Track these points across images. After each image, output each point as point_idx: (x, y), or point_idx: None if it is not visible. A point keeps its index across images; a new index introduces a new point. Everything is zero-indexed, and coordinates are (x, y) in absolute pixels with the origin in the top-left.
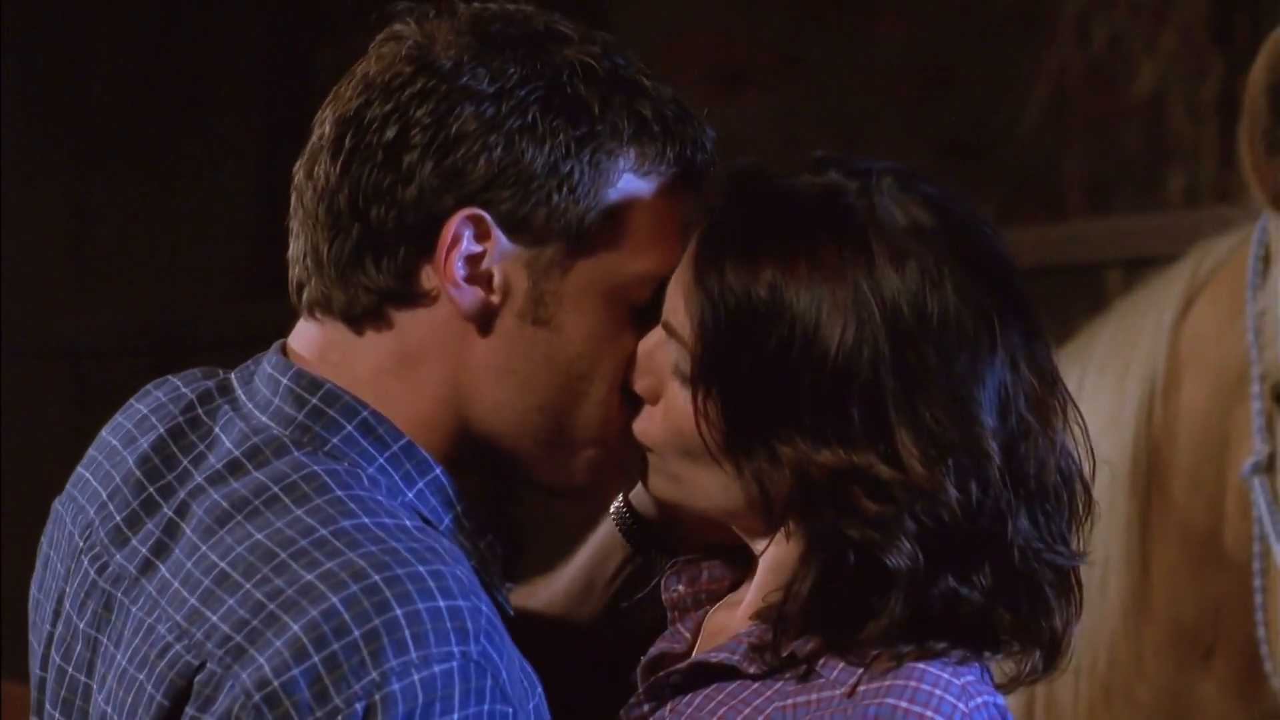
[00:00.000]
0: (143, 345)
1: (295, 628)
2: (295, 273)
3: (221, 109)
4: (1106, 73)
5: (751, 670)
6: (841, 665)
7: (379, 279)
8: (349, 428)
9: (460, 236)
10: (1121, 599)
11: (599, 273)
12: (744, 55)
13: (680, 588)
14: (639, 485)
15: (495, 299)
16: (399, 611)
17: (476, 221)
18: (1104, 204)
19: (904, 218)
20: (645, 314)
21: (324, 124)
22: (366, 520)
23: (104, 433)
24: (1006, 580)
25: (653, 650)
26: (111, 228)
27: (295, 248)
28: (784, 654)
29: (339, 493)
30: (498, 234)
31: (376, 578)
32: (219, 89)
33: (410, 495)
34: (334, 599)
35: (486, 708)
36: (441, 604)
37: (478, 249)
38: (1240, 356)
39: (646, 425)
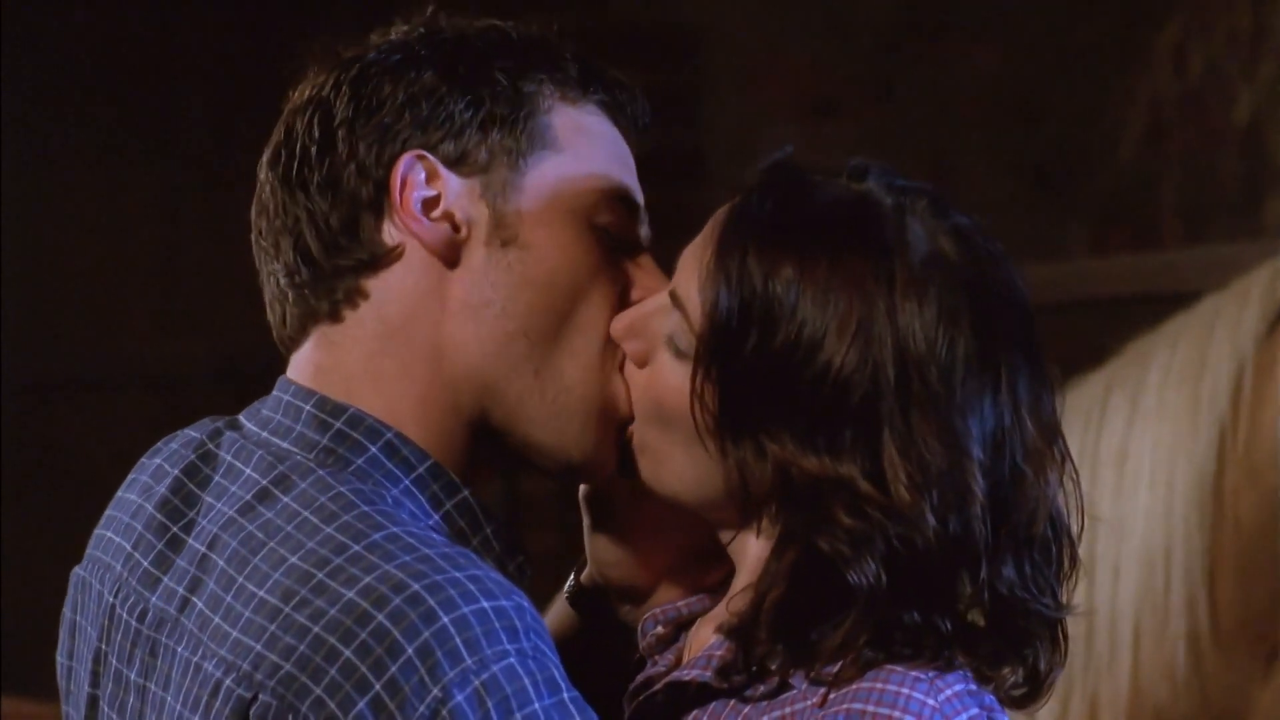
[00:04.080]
0: (233, 373)
1: (347, 652)
2: (276, 312)
3: None
4: (1203, 101)
5: (725, 685)
6: (814, 674)
7: (349, 256)
8: (373, 449)
9: (410, 178)
10: (1189, 629)
11: (552, 186)
12: (834, 84)
13: (658, 630)
14: (589, 567)
15: (460, 234)
16: (446, 619)
17: (421, 159)
18: (1200, 233)
19: (931, 245)
20: (626, 250)
21: (262, 163)
22: (396, 530)
23: (119, 493)
24: (992, 616)
25: (639, 678)
26: (202, 255)
27: (268, 289)
28: (753, 667)
29: (365, 508)
30: (446, 173)
31: (417, 587)
32: None
33: (437, 517)
34: (379, 616)
35: (566, 695)
36: (486, 605)
37: (431, 192)
38: None
39: (633, 391)
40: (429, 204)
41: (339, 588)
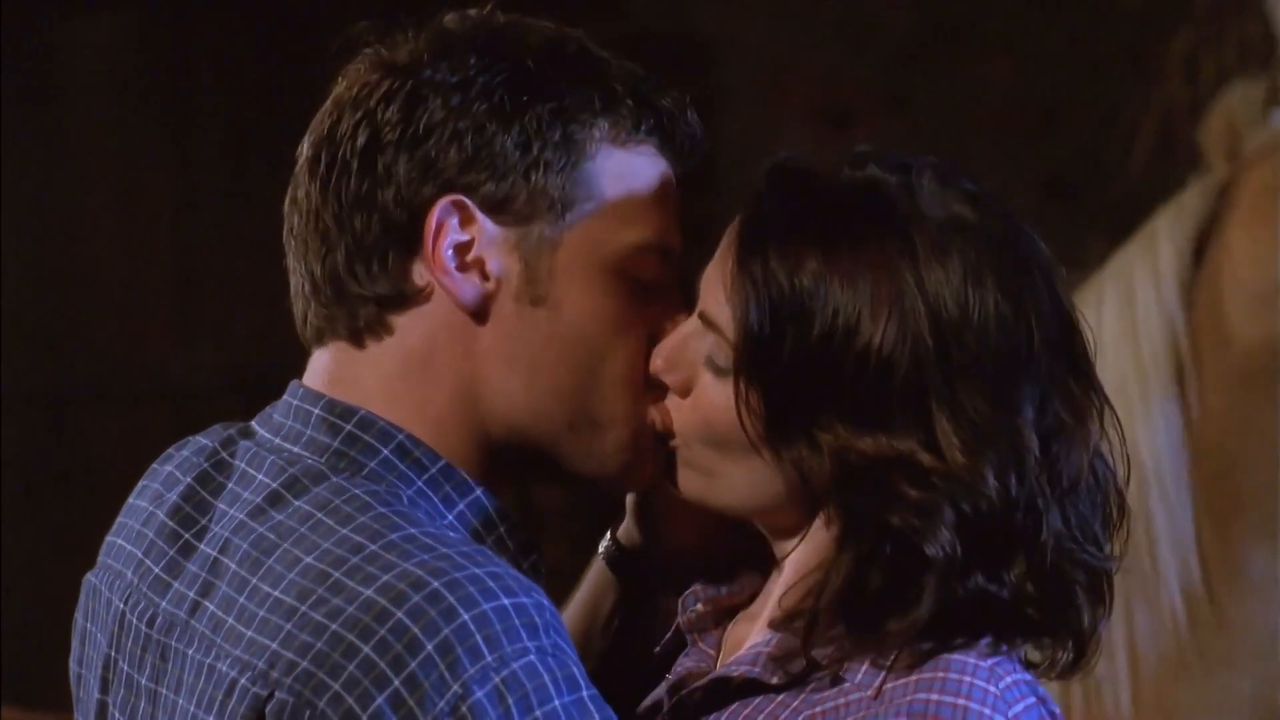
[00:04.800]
0: (247, 384)
1: (366, 649)
2: (299, 307)
3: None
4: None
5: (774, 681)
6: (865, 668)
7: (373, 286)
8: (385, 452)
9: (445, 224)
10: (1184, 586)
11: (590, 245)
12: (850, 94)
13: (699, 607)
14: (626, 521)
15: (489, 285)
16: (466, 616)
17: (459, 207)
18: None
19: (944, 211)
20: (656, 293)
21: (302, 151)
22: (413, 530)
23: (131, 499)
24: (1036, 578)
25: (678, 669)
26: (217, 267)
27: (294, 282)
28: (810, 654)
29: (382, 509)
30: (482, 219)
31: (436, 584)
32: None
33: (450, 517)
34: (399, 613)
35: (585, 693)
36: (506, 602)
37: (465, 237)
38: None
39: (676, 418)
40: (461, 249)
41: (356, 586)
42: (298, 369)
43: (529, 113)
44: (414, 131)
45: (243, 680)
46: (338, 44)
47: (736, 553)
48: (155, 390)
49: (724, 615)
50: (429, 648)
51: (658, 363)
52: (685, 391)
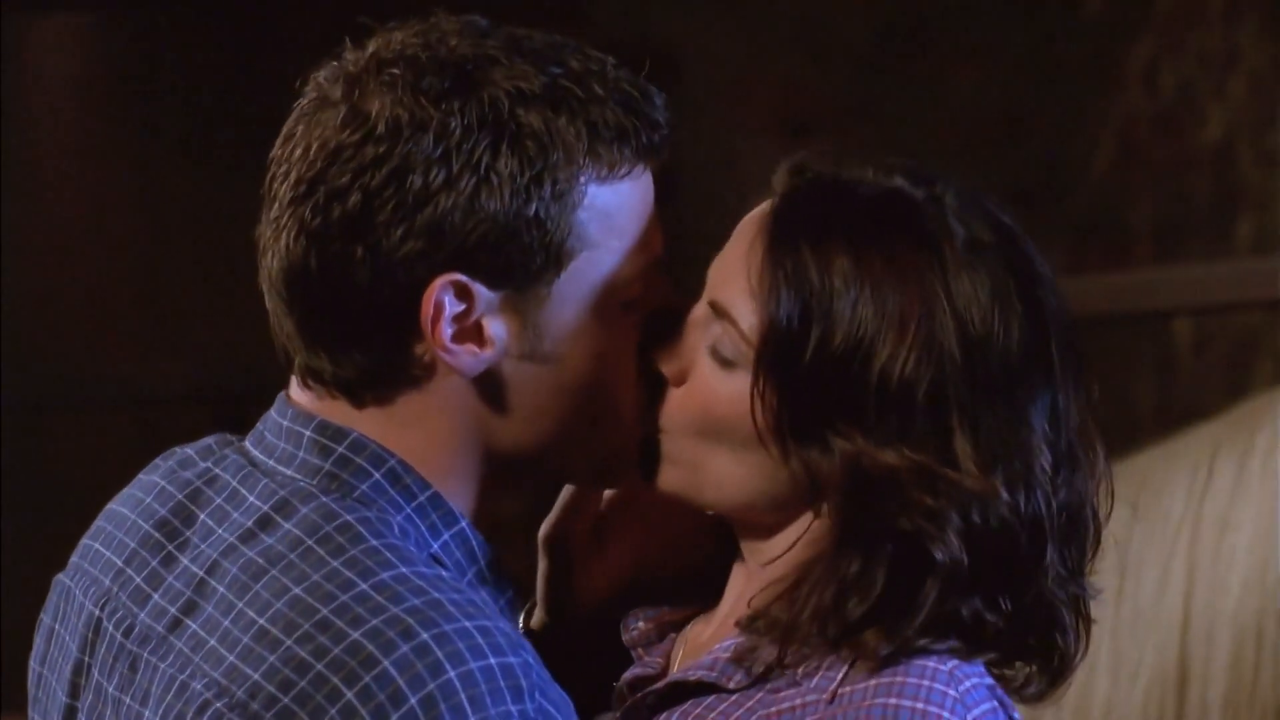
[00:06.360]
0: (212, 394)
1: (349, 695)
2: (280, 340)
3: None
4: (1174, 120)
5: (730, 685)
6: (822, 670)
7: (367, 357)
8: (376, 475)
9: (443, 303)
10: (1277, 706)
11: (586, 290)
12: (811, 105)
13: (640, 624)
14: (537, 611)
15: (490, 351)
16: (452, 674)
17: (456, 284)
18: (1172, 252)
19: (970, 231)
20: (646, 301)
21: (277, 198)
22: (405, 570)
23: (112, 505)
24: (1029, 603)
25: (627, 675)
26: (182, 276)
27: (271, 309)
28: (784, 657)
29: (373, 542)
30: (478, 289)
31: (425, 636)
32: None
33: (435, 547)
34: (385, 662)
35: None
36: (493, 661)
37: (461, 307)
38: None
39: (666, 407)
40: (458, 319)
41: (344, 626)
42: (263, 379)
43: (519, 179)
44: (405, 208)
45: (218, 704)
46: (300, 81)
47: (662, 598)
48: (120, 399)
49: (668, 628)
50: (413, 701)
51: (656, 352)
52: (680, 380)
